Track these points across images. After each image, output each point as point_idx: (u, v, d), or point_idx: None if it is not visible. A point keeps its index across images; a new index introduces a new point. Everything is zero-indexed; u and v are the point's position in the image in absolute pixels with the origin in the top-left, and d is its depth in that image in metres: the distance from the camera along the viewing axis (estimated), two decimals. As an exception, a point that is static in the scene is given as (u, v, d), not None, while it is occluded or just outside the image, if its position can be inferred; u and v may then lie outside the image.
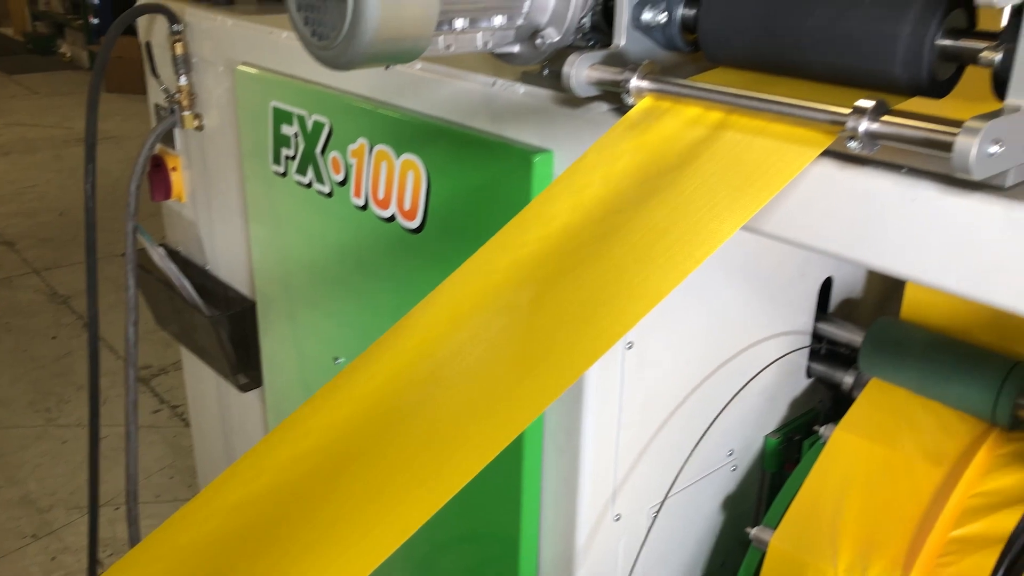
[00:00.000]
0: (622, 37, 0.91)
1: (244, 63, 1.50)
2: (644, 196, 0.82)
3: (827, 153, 0.75)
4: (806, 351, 1.37)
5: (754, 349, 1.29)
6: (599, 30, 0.98)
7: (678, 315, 1.15)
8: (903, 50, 0.73)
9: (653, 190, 0.82)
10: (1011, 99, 0.65)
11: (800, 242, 0.80)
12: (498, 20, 0.88)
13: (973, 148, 0.62)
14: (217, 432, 2.12)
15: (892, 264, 0.74)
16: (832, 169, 0.75)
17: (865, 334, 1.25)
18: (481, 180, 1.09)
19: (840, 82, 0.81)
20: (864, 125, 0.69)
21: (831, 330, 1.36)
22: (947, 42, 0.73)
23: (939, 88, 0.76)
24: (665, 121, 0.84)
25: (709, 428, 1.25)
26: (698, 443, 1.24)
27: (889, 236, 0.73)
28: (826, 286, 1.36)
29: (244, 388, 1.80)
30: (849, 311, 1.42)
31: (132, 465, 1.84)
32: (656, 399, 1.18)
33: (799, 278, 1.31)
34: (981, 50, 0.71)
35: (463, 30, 0.86)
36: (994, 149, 0.64)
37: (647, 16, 0.90)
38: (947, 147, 0.65)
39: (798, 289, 1.32)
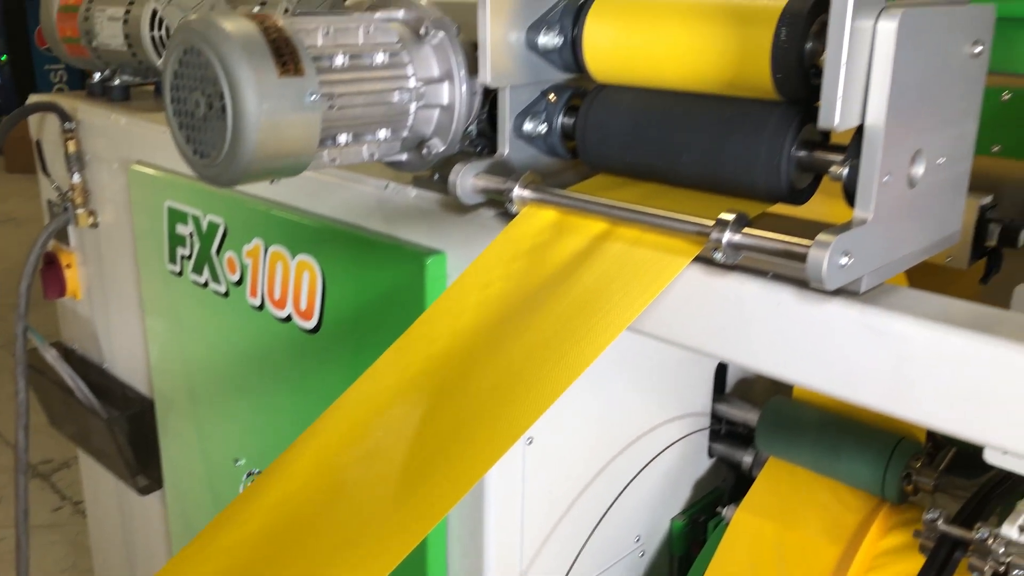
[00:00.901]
0: (505, 147, 0.94)
1: (138, 162, 1.48)
2: (532, 304, 0.84)
3: (700, 259, 0.78)
4: (707, 431, 1.40)
5: (655, 433, 1.31)
6: (485, 135, 1.01)
7: (577, 406, 1.17)
8: (762, 162, 0.78)
9: (540, 298, 0.84)
10: (858, 212, 0.70)
11: (679, 343, 0.83)
12: (383, 133, 0.90)
13: (824, 261, 0.66)
14: (117, 536, 2.03)
15: (764, 365, 0.77)
16: (704, 275, 0.79)
17: (760, 414, 1.29)
18: (376, 281, 1.09)
19: (711, 190, 0.85)
20: (727, 237, 0.73)
21: (729, 410, 1.40)
22: (802, 154, 0.78)
23: (799, 195, 0.80)
24: (547, 230, 0.87)
25: (613, 516, 1.26)
26: (603, 532, 1.25)
27: (759, 338, 0.76)
28: (722, 366, 1.40)
29: (144, 491, 1.73)
30: (746, 390, 1.46)
31: (22, 578, 1.74)
32: (559, 491, 1.18)
33: (695, 360, 1.35)
34: (833, 163, 0.75)
35: (347, 144, 0.87)
36: (844, 261, 0.68)
37: (528, 127, 0.93)
38: (802, 258, 0.68)
39: (694, 371, 1.35)
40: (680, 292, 0.80)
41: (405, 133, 0.92)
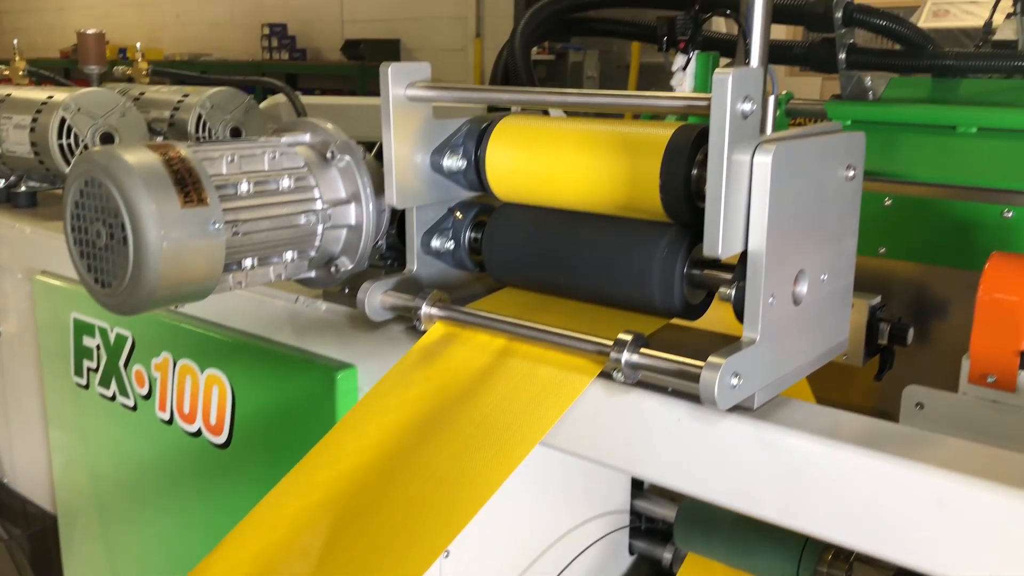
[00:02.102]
0: (413, 264, 0.95)
1: (43, 272, 1.45)
2: (442, 420, 0.84)
3: (603, 374, 0.80)
4: (627, 529, 1.41)
5: (575, 533, 1.31)
6: (395, 248, 1.03)
7: (495, 514, 1.15)
8: (656, 281, 0.81)
9: (450, 414, 0.84)
10: (747, 333, 0.73)
11: (586, 456, 0.84)
12: (289, 255, 0.90)
13: (715, 384, 0.69)
14: (16, 661, 1.90)
15: (667, 479, 0.79)
16: (606, 392, 0.80)
17: (677, 510, 1.30)
18: (286, 396, 1.08)
19: (612, 305, 0.87)
20: (624, 357, 0.75)
21: (648, 507, 1.41)
22: (694, 272, 0.81)
23: (693, 311, 0.84)
24: (455, 347, 0.88)
25: (536, 623, 1.24)
26: (526, 640, 1.23)
27: (661, 453, 0.78)
28: (639, 463, 1.41)
29: (45, 614, 1.64)
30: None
31: None
32: (479, 602, 1.16)
33: (612, 459, 1.36)
34: (722, 282, 0.79)
35: (253, 267, 0.87)
36: (735, 381, 0.70)
37: (436, 243, 0.95)
38: (695, 379, 0.71)
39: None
40: (585, 408, 0.82)
41: (313, 253, 0.93)
